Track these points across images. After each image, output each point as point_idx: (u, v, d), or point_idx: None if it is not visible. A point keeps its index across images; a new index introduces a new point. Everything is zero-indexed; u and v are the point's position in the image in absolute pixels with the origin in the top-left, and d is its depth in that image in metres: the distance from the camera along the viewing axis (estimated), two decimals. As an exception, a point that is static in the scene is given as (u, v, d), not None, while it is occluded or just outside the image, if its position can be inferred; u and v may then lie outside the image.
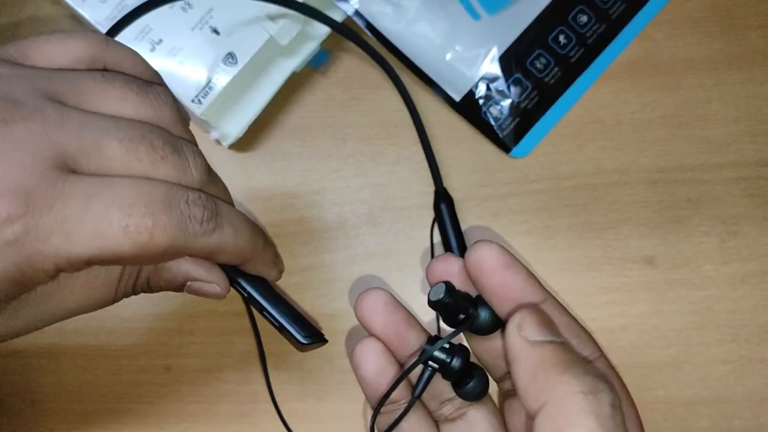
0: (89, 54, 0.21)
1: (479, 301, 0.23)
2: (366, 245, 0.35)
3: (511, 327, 0.20)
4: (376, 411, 0.24)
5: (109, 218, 0.18)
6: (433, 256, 0.35)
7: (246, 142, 0.36)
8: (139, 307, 0.35)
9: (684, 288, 0.35)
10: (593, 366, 0.22)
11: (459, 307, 0.23)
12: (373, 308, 0.24)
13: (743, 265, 0.35)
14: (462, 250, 0.34)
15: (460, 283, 0.23)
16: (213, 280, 0.23)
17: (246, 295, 0.24)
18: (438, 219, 0.35)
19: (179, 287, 0.23)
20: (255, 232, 0.23)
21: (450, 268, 0.23)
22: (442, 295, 0.22)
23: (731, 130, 0.36)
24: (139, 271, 0.22)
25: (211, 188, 0.22)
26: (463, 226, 0.35)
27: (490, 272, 0.22)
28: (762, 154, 0.36)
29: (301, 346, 0.25)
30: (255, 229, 0.23)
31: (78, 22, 0.36)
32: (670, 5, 0.37)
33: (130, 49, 0.23)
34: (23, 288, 0.19)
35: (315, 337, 0.25)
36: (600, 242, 0.35)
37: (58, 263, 0.18)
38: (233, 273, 0.24)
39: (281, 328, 0.25)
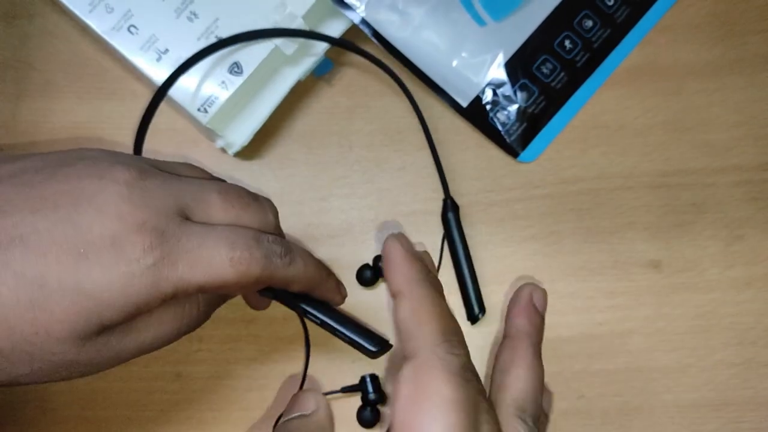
0: None
1: None
2: (373, 251, 0.36)
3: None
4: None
5: (219, 251, 0.23)
6: (439, 267, 0.35)
7: (252, 150, 0.36)
8: (148, 314, 0.35)
9: (689, 292, 0.35)
10: None
11: None
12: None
13: (748, 268, 0.35)
14: (467, 257, 0.35)
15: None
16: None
17: (319, 321, 0.29)
18: (446, 228, 0.35)
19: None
20: (320, 264, 0.28)
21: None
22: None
23: (733, 134, 0.37)
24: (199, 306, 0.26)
25: (280, 232, 0.28)
26: (469, 231, 0.36)
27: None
28: (764, 158, 0.36)
29: (372, 355, 0.29)
30: (319, 261, 0.28)
31: (85, 32, 0.37)
32: (672, 11, 0.38)
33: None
34: (138, 312, 0.23)
35: (383, 344, 0.29)
36: (605, 247, 0.36)
37: (177, 287, 0.23)
38: (305, 305, 0.29)
39: (353, 343, 0.29)
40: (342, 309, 0.31)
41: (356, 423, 0.34)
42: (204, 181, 0.26)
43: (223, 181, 0.28)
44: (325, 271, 0.29)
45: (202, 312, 0.26)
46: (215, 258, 0.23)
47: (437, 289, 0.27)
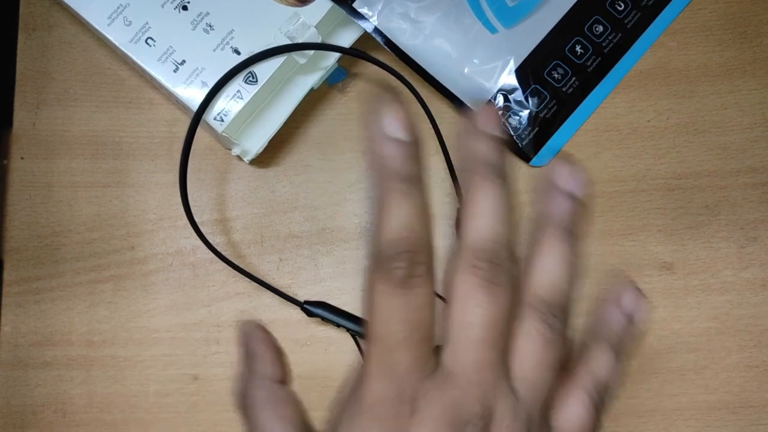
0: None
1: None
2: (386, 255, 0.36)
3: None
4: None
5: None
6: None
7: (269, 156, 0.37)
8: (165, 317, 0.36)
9: (703, 293, 0.35)
10: None
11: None
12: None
13: (763, 270, 0.35)
14: None
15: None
16: None
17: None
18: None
19: None
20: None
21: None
22: None
23: (747, 136, 0.37)
24: None
25: None
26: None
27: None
28: (779, 160, 0.36)
29: None
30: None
31: (102, 43, 0.37)
32: (684, 14, 0.38)
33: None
34: None
35: None
36: (618, 249, 0.36)
37: None
38: (352, 326, 0.34)
39: None
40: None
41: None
42: None
43: None
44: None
45: None
46: None
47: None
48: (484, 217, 0.21)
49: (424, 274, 0.21)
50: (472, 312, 0.20)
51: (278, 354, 0.25)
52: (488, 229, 0.21)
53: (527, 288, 0.21)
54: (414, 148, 0.21)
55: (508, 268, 0.21)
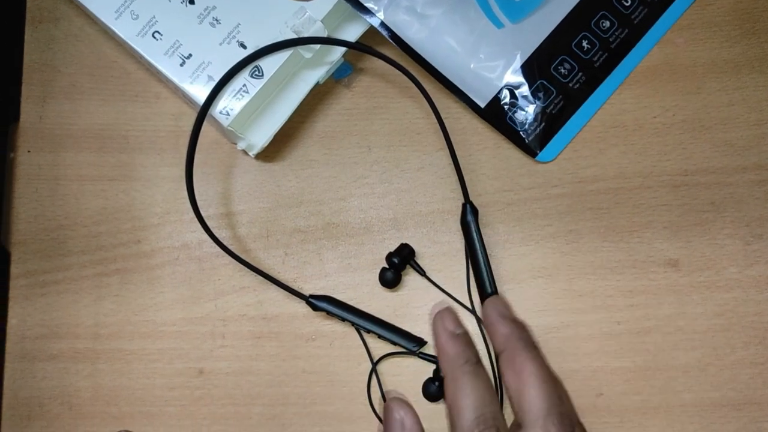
0: None
1: None
2: (391, 250, 0.36)
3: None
4: None
5: None
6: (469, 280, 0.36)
7: (274, 151, 0.37)
8: (171, 311, 0.36)
9: (708, 290, 0.35)
10: None
11: None
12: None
13: (768, 267, 0.35)
14: (487, 264, 0.35)
15: None
16: None
17: (368, 331, 0.35)
18: (465, 233, 0.35)
19: None
20: None
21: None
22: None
23: (753, 132, 0.37)
24: None
25: None
26: (488, 231, 0.36)
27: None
28: (785, 157, 0.36)
29: (412, 353, 0.35)
30: None
31: (109, 36, 0.37)
32: (691, 10, 0.38)
33: None
34: None
35: (420, 343, 0.35)
36: (624, 245, 0.36)
37: None
38: (355, 320, 0.35)
39: (398, 344, 0.35)
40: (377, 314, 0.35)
41: (418, 391, 0.35)
42: None
43: None
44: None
45: None
46: None
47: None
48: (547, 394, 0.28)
49: None
50: None
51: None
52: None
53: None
54: (467, 337, 0.30)
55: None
